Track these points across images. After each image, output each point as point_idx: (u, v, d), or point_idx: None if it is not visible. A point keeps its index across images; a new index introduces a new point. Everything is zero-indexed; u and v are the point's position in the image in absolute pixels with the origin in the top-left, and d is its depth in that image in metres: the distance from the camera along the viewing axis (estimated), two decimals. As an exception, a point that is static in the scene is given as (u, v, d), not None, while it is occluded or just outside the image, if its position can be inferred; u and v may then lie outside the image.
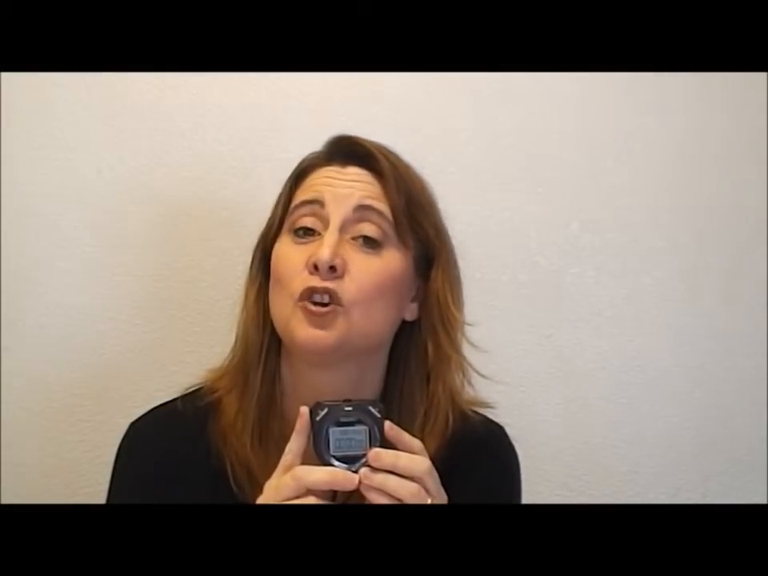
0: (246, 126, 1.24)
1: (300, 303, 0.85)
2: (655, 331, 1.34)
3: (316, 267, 0.84)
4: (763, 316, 1.36)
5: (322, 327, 0.84)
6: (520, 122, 1.30)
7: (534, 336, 1.31)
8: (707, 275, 1.36)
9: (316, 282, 0.84)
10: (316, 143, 0.92)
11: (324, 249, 0.84)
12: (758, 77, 1.32)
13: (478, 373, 0.94)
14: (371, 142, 0.91)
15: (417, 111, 1.27)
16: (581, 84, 1.31)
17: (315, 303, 0.84)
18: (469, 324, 0.93)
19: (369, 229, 0.87)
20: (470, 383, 0.93)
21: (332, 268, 0.84)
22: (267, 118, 1.24)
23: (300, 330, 0.84)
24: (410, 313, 0.92)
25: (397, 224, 0.87)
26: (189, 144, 1.23)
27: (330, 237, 0.85)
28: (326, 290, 0.84)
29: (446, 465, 0.83)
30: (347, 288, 0.85)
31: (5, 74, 1.16)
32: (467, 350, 0.93)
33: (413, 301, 0.92)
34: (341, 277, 0.85)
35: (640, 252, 1.34)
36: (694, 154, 1.35)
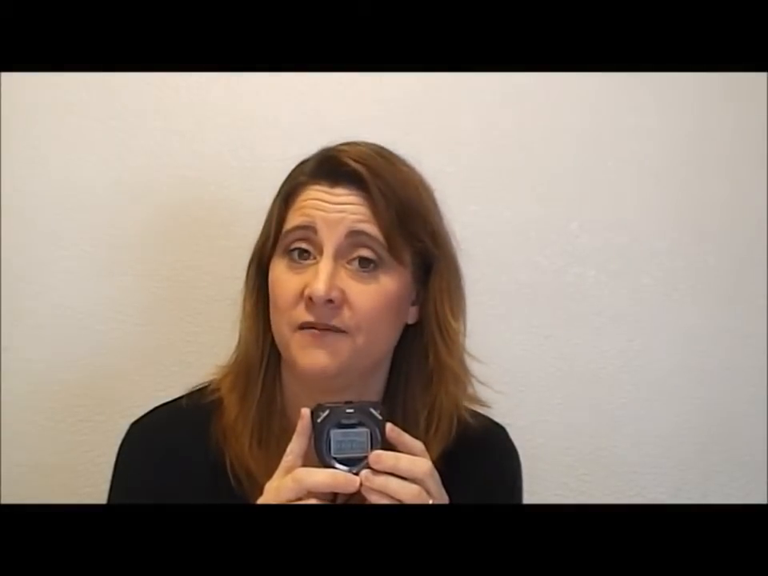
0: (246, 126, 1.24)
1: (299, 331, 0.84)
2: (655, 331, 1.34)
3: (312, 299, 0.83)
4: (764, 316, 1.36)
5: (323, 352, 0.84)
6: (520, 121, 1.30)
7: (534, 336, 1.31)
8: (707, 275, 1.35)
9: (314, 317, 0.83)
10: (316, 144, 0.92)
11: (319, 283, 0.82)
12: (757, 77, 1.32)
13: (478, 380, 0.93)
14: (358, 155, 0.87)
15: (417, 111, 1.27)
16: (581, 84, 1.30)
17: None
18: (468, 336, 0.92)
19: (363, 252, 0.86)
20: (472, 388, 0.93)
21: (329, 301, 0.83)
22: (267, 118, 1.24)
23: (301, 356, 0.84)
24: (412, 316, 0.91)
25: (390, 245, 0.85)
26: (189, 144, 1.23)
27: (324, 267, 0.83)
28: (325, 327, 0.84)
29: (447, 466, 0.83)
30: (348, 318, 0.84)
31: (5, 74, 1.16)
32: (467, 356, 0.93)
33: (413, 304, 0.91)
34: (339, 308, 0.84)
35: (640, 252, 1.34)
36: (694, 154, 1.35)
